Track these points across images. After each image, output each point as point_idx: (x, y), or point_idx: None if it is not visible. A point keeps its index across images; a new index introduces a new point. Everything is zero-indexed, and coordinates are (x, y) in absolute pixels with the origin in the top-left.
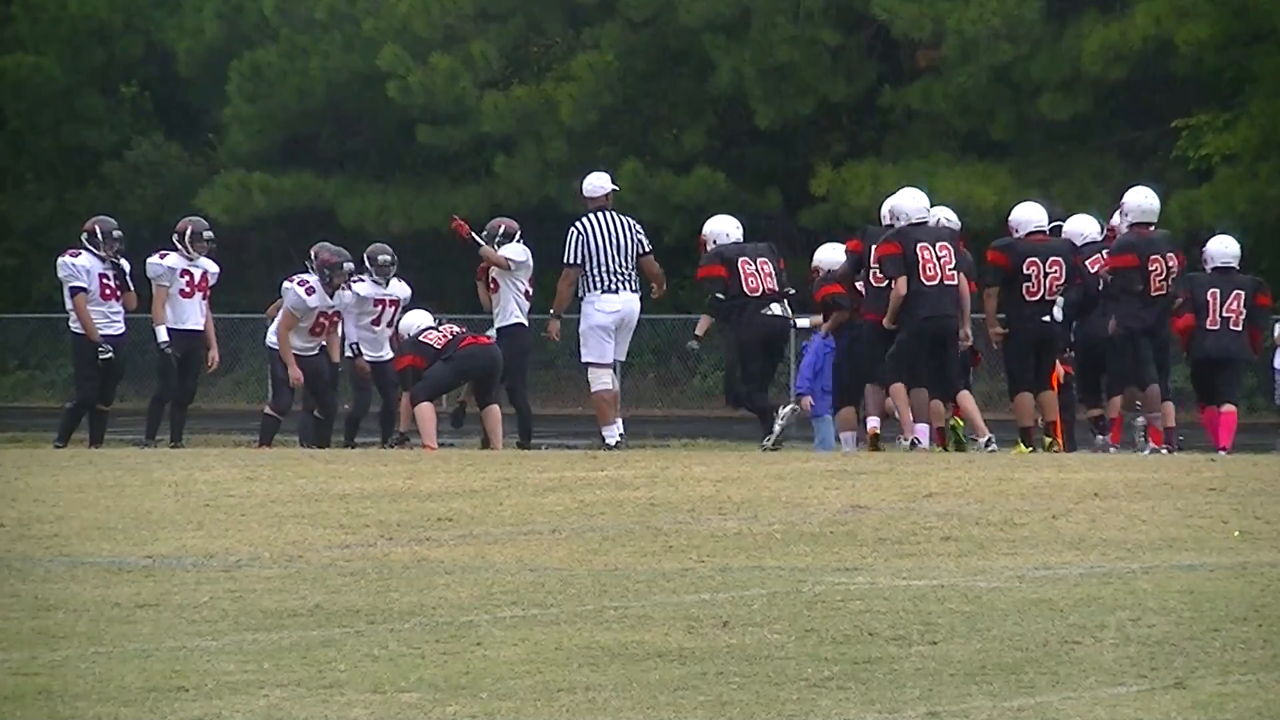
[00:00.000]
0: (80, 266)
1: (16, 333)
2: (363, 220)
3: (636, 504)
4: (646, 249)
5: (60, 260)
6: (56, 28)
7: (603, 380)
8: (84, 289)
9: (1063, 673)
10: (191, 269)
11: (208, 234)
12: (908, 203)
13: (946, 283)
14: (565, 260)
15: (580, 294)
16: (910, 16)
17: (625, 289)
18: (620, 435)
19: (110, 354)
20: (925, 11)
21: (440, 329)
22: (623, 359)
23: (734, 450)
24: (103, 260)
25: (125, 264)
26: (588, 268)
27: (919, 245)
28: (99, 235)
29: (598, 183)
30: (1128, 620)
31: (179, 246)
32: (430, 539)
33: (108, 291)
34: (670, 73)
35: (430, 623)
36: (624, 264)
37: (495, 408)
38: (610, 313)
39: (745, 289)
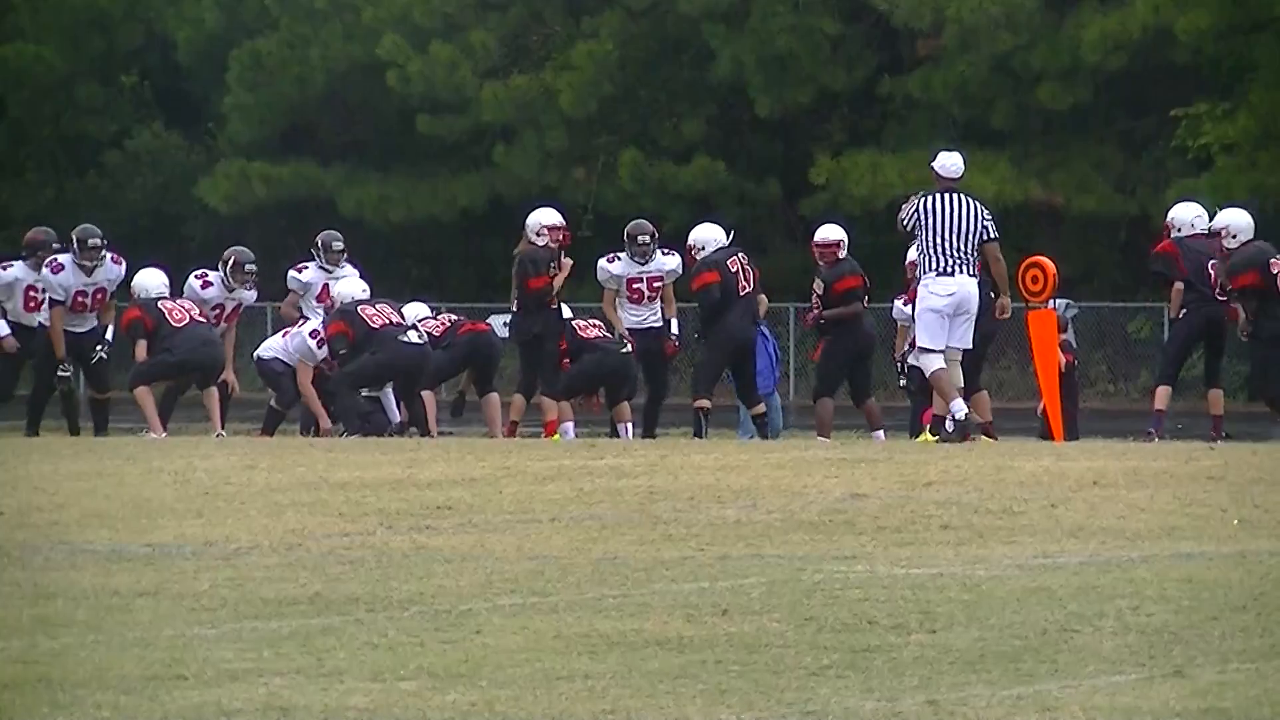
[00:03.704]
0: (61, 285)
1: None
2: (363, 209)
3: (636, 492)
4: (992, 235)
5: (43, 274)
6: (57, 17)
7: (934, 363)
8: (61, 302)
9: (1062, 661)
10: (226, 302)
11: (250, 266)
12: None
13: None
14: (900, 219)
15: (919, 276)
16: (910, 6)
17: (961, 272)
18: (965, 410)
19: (68, 374)
20: (925, 1)
21: (438, 318)
22: (968, 346)
23: (733, 438)
24: (88, 273)
25: (116, 269)
26: (925, 248)
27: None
28: (75, 245)
29: (951, 162)
30: (1126, 609)
31: (223, 275)
32: (430, 527)
33: (80, 307)
34: (670, 62)
35: (430, 611)
36: (962, 247)
37: (494, 396)
38: (945, 295)
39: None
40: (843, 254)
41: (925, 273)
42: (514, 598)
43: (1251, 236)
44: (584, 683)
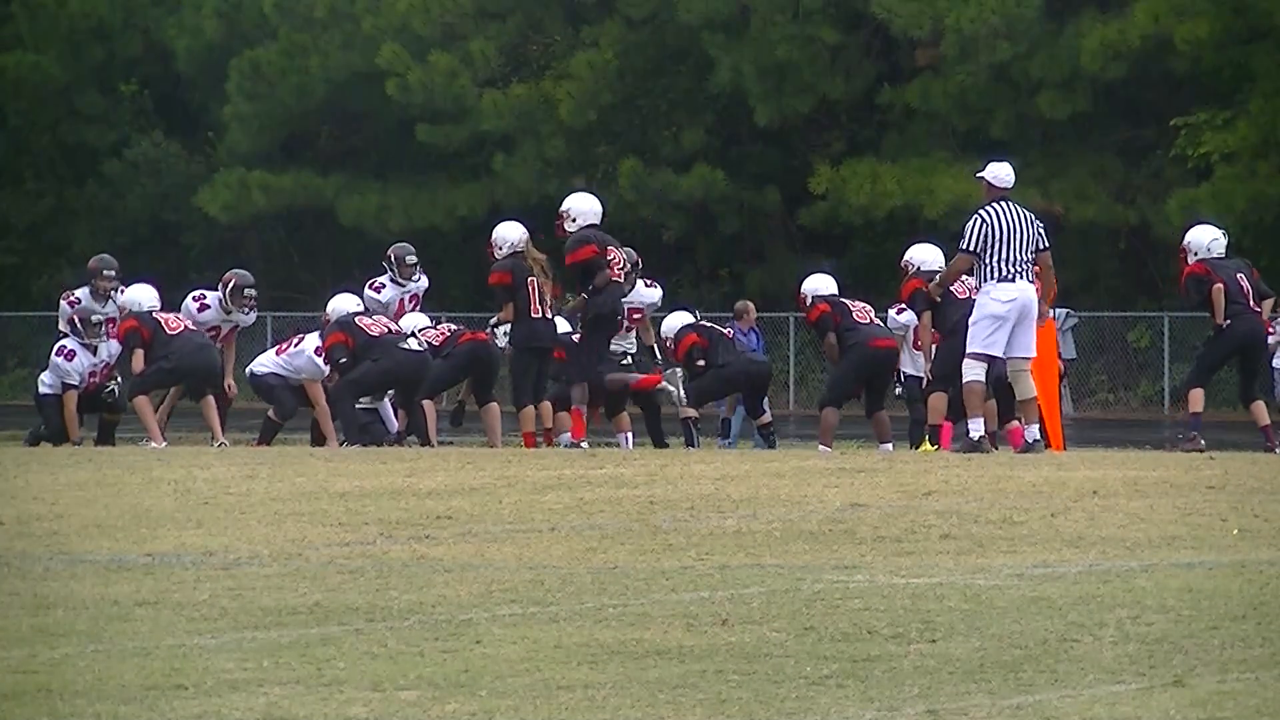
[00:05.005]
0: (72, 369)
1: (17, 331)
2: (362, 219)
3: (636, 502)
4: (1044, 245)
5: (54, 360)
6: (56, 26)
7: (975, 371)
8: (75, 387)
9: (1062, 670)
10: (222, 324)
11: (250, 290)
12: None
13: (1253, 307)
14: (963, 247)
15: (976, 284)
16: (909, 15)
17: (1022, 278)
18: (982, 433)
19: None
20: (924, 10)
21: (438, 327)
22: (1033, 354)
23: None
24: (94, 351)
25: (116, 343)
26: (986, 257)
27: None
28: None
29: (1004, 172)
30: (1126, 618)
31: (221, 297)
32: (429, 537)
33: (91, 386)
34: (669, 71)
35: (429, 620)
36: (1023, 255)
37: (494, 405)
38: (1006, 301)
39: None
40: (571, 224)
41: (985, 280)
42: (514, 607)
43: None
44: (584, 692)
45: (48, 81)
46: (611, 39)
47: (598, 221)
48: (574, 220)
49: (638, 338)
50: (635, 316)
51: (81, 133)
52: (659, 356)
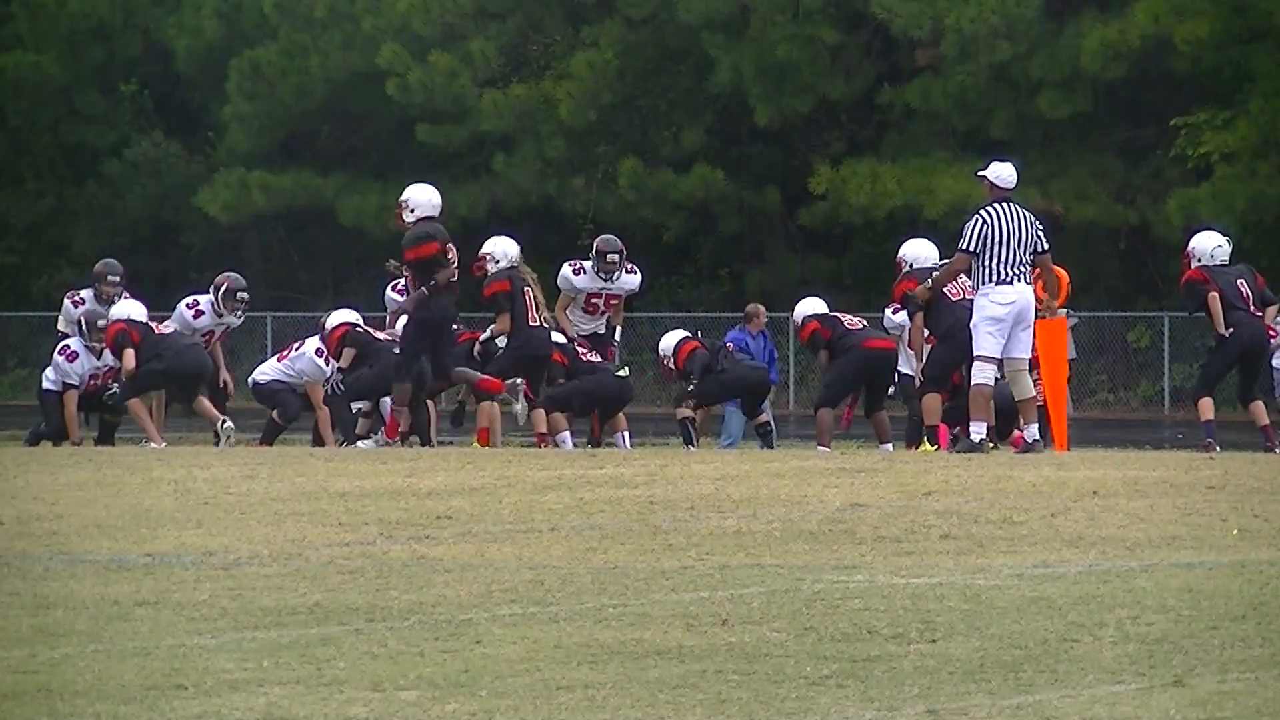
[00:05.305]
0: (73, 370)
1: (17, 331)
2: (362, 219)
3: (636, 502)
4: (1044, 247)
5: (56, 359)
6: (56, 26)
7: (984, 374)
8: (75, 387)
9: (1061, 670)
10: (215, 328)
11: (242, 294)
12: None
13: (1254, 311)
14: (962, 246)
15: (974, 286)
16: (909, 15)
17: (1020, 281)
18: (984, 435)
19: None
20: (924, 10)
21: None
22: (1028, 355)
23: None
24: (97, 355)
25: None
26: (984, 258)
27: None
28: (85, 327)
29: (1007, 173)
30: (1126, 618)
31: (214, 300)
32: (429, 537)
33: (92, 389)
34: (669, 71)
35: (429, 620)
36: (1022, 257)
37: (495, 405)
38: (1005, 304)
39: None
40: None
41: (984, 283)
42: (514, 607)
43: None
44: (584, 693)
45: (48, 81)
46: (611, 39)
47: (436, 214)
48: (412, 211)
49: (608, 320)
50: (612, 302)
51: (81, 133)
52: (617, 339)
